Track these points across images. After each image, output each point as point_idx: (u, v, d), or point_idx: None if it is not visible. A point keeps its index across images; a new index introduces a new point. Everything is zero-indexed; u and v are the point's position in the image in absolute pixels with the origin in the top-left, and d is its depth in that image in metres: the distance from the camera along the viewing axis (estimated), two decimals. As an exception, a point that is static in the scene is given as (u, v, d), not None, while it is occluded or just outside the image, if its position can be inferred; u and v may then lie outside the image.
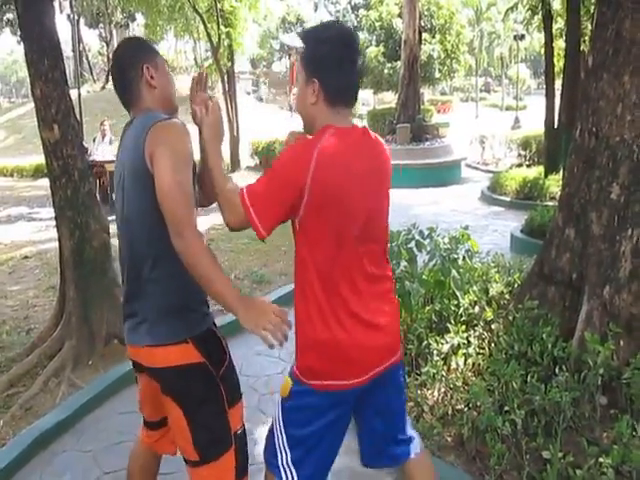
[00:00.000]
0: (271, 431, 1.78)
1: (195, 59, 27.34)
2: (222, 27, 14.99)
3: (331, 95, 1.63)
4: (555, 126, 9.83)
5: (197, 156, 1.82)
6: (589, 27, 9.87)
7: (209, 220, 8.76)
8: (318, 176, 1.53)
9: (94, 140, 10.37)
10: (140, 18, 27.53)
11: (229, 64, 15.80)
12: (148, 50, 1.89)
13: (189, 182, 1.66)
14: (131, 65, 1.83)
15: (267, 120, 21.37)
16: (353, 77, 1.67)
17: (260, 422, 3.15)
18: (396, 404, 1.87)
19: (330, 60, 1.61)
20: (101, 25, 32.56)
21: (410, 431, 1.93)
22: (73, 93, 4.63)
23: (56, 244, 4.32)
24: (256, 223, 1.56)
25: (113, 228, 7.27)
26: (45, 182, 4.53)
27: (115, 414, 3.38)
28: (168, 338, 1.73)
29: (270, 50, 46.30)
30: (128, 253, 1.81)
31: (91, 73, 32.72)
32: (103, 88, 28.32)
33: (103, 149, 9.83)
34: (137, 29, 36.58)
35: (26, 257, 7.16)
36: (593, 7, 3.69)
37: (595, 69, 3.01)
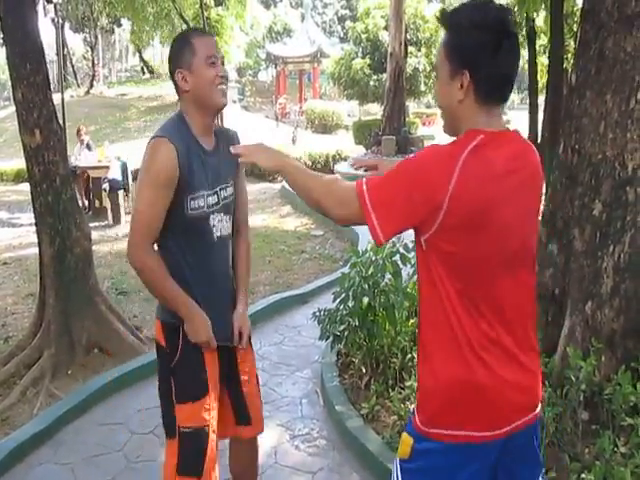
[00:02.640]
0: None
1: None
2: (209, 35, 15.02)
3: (484, 91, 1.36)
4: (538, 141, 9.96)
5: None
6: (572, 45, 10.06)
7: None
8: (461, 192, 1.27)
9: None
10: (126, 23, 27.48)
11: (215, 72, 15.80)
12: (183, 51, 1.86)
13: (144, 202, 1.84)
14: (172, 73, 1.90)
15: (253, 129, 21.37)
16: (511, 69, 1.39)
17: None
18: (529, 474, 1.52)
19: (486, 48, 1.33)
20: (86, 29, 32.37)
21: None
22: (56, 97, 4.59)
23: (36, 250, 4.26)
24: (375, 227, 1.33)
25: (95, 235, 7.22)
26: (26, 187, 4.46)
27: (95, 426, 3.32)
28: (157, 313, 2.03)
29: (256, 59, 46.39)
30: None
31: (75, 77, 32.44)
32: (87, 93, 28.08)
33: (86, 155, 9.73)
34: (123, 34, 36.48)
35: (5, 263, 7.05)
36: (576, 25, 3.75)
37: (578, 87, 3.06)
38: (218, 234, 1.94)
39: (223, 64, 1.91)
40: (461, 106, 1.38)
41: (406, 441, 1.44)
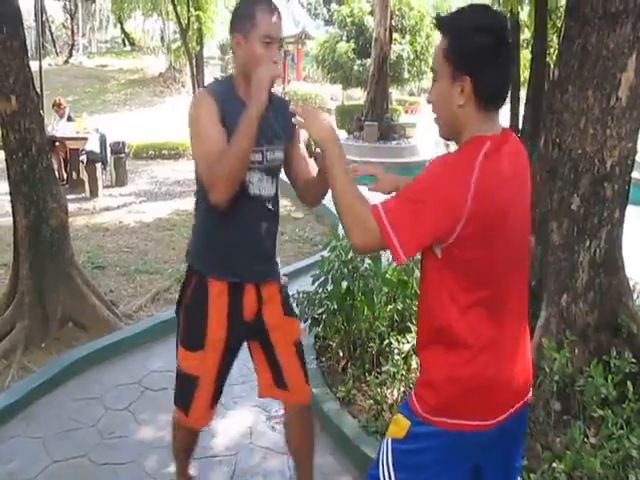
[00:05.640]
0: (374, 477, 1.53)
1: (162, 39, 26.67)
2: (192, 9, 14.70)
3: (485, 96, 1.38)
4: (519, 134, 10.06)
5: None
6: (555, 40, 10.14)
7: (172, 205, 8.62)
8: (479, 201, 1.30)
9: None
10: (107, -7, 26.76)
11: (198, 48, 15.52)
12: (245, 18, 1.84)
13: (201, 153, 1.84)
14: (230, 30, 1.91)
15: (234, 108, 21.11)
16: (509, 74, 1.42)
17: (219, 414, 3.10)
18: (517, 454, 1.61)
19: (488, 53, 1.34)
20: (66, -3, 31.47)
21: None
22: (34, 65, 4.46)
23: (10, 220, 4.16)
24: (396, 246, 1.33)
25: (72, 208, 7.09)
26: (1, 155, 4.35)
27: (68, 400, 3.29)
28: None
29: (240, 37, 45.72)
30: None
31: (54, 46, 31.53)
32: (66, 62, 27.32)
33: (64, 126, 9.51)
34: (104, 4, 35.51)
35: (-24, 232, 6.88)
36: (560, 21, 3.77)
37: (560, 81, 3.08)
38: (256, 192, 1.93)
39: (282, 47, 1.90)
40: (461, 111, 1.39)
41: (401, 423, 1.47)
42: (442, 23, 1.41)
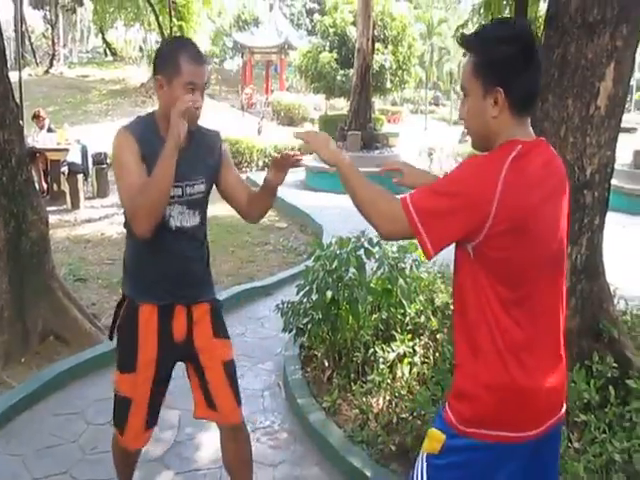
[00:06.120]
0: None
1: (141, 49, 26.59)
2: (174, 20, 14.72)
3: (519, 105, 1.41)
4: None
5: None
6: (535, 50, 10.24)
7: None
8: (507, 200, 1.32)
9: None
10: (88, 3, 26.64)
11: (181, 58, 15.50)
12: (168, 63, 1.88)
13: (123, 186, 1.89)
14: (153, 70, 1.96)
15: (218, 118, 21.09)
16: (539, 80, 1.45)
17: (203, 427, 3.08)
18: (552, 473, 1.58)
19: (518, 62, 1.37)
20: (46, 7, 31.26)
21: None
22: (13, 76, 4.42)
23: (-10, 233, 4.09)
24: (425, 241, 1.36)
25: (53, 220, 7.00)
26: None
27: (49, 416, 3.23)
28: None
29: (223, 47, 45.76)
30: None
31: (34, 56, 31.29)
32: (47, 72, 27.13)
33: (44, 137, 9.42)
34: (85, 14, 35.40)
35: (-45, 246, 6.76)
36: (539, 30, 3.83)
37: (541, 90, 3.13)
38: (177, 224, 1.99)
39: (203, 91, 1.94)
40: (495, 122, 1.42)
41: (436, 437, 1.45)
42: (467, 40, 1.46)
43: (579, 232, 2.96)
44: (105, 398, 3.38)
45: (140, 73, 25.78)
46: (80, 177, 8.97)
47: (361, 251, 3.61)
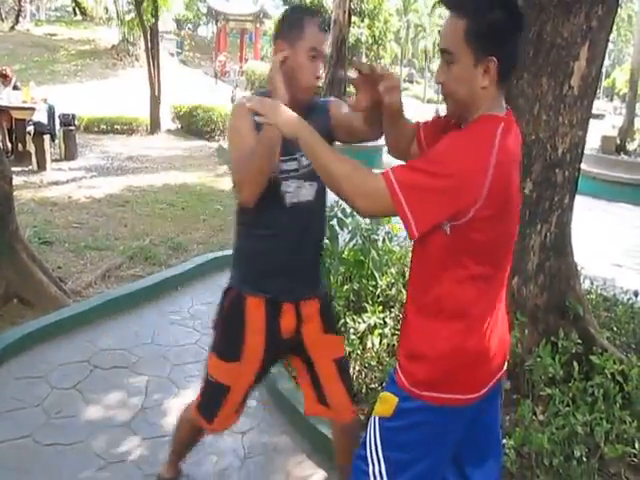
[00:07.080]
0: (361, 458, 1.49)
1: (117, 11, 25.72)
2: (148, -20, 14.20)
3: (505, 75, 1.35)
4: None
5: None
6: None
7: (124, 181, 8.39)
8: (497, 181, 1.27)
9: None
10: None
11: (153, 20, 15.03)
12: (293, 28, 1.78)
13: (235, 150, 1.79)
14: (274, 35, 1.86)
15: (191, 84, 20.64)
16: (520, 49, 1.38)
17: (171, 393, 3.06)
18: (495, 426, 1.61)
19: (511, 30, 1.31)
20: (12, -41, 29.87)
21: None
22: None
23: (-49, 192, 3.94)
24: (410, 221, 1.27)
25: (18, 180, 6.76)
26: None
27: (11, 379, 3.15)
28: None
29: (197, 13, 44.56)
30: None
31: (-2, 11, 30.05)
32: (12, 29, 26.02)
33: (8, 94, 9.07)
34: (54, -30, 33.92)
35: None
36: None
37: (516, 67, 3.13)
38: (294, 200, 1.87)
39: (324, 61, 1.84)
40: (483, 92, 1.34)
41: (389, 400, 1.45)
42: (456, 3, 1.33)
43: (549, 210, 3.00)
44: (70, 362, 3.34)
45: (111, 34, 24.95)
46: (47, 138, 8.67)
47: (334, 221, 3.59)
